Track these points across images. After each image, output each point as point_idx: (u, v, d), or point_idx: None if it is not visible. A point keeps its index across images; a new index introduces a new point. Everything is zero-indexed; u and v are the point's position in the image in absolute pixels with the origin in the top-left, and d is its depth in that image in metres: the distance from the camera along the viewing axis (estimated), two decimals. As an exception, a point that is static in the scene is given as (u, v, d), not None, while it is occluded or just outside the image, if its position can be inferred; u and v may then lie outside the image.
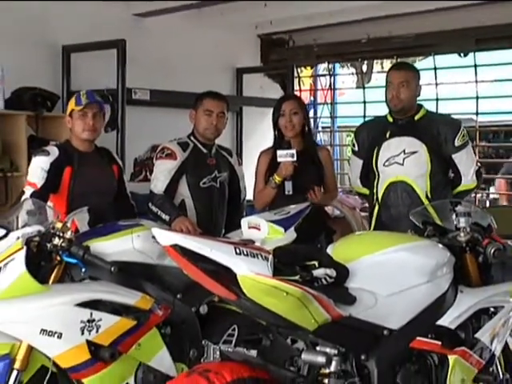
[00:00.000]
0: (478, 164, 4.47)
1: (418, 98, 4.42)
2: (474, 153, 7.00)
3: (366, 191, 4.62)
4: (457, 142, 4.29)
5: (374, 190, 4.44)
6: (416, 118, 4.36)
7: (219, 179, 4.58)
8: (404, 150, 4.28)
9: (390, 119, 4.42)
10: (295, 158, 4.30)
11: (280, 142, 4.53)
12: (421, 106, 4.42)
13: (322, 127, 8.67)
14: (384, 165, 4.35)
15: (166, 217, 4.28)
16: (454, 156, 4.30)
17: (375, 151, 4.39)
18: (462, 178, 4.34)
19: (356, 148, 4.60)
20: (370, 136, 4.49)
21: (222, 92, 4.72)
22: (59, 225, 3.32)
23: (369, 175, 4.50)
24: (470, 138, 4.67)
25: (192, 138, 4.55)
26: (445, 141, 4.29)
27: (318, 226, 4.32)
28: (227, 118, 4.65)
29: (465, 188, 4.37)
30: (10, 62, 5.30)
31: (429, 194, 4.26)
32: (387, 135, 4.37)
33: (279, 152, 4.34)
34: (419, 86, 4.41)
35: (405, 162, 4.28)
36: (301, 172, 4.37)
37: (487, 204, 9.22)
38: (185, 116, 4.64)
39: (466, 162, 4.33)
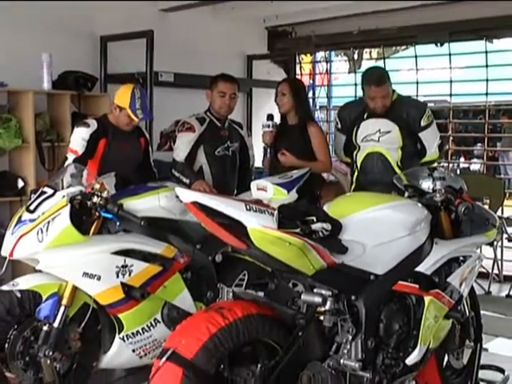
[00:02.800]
0: (440, 140, 4.42)
1: (400, 82, 4.37)
2: (448, 129, 7.04)
3: (348, 159, 4.63)
4: (422, 123, 4.26)
5: (355, 159, 4.45)
6: None
7: (231, 148, 4.56)
8: (379, 130, 4.27)
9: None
10: (271, 128, 4.41)
11: (281, 117, 4.58)
12: (393, 91, 4.34)
13: (320, 106, 8.61)
14: (362, 141, 4.35)
15: (186, 180, 4.27)
16: (420, 134, 4.28)
17: (355, 129, 4.37)
18: (426, 151, 4.32)
19: (339, 126, 4.57)
20: (351, 116, 4.45)
21: (234, 75, 4.67)
22: (97, 186, 3.32)
23: (351, 147, 4.48)
24: (445, 116, 4.62)
25: (208, 113, 4.51)
26: (412, 121, 4.25)
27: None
28: (238, 97, 4.60)
29: (429, 159, 4.35)
30: (57, 49, 5.26)
31: (399, 163, 4.27)
32: (365, 116, 4.34)
33: (262, 123, 4.48)
34: (391, 84, 4.30)
35: (380, 140, 4.28)
36: (289, 142, 4.40)
37: (458, 171, 9.17)
38: (203, 95, 4.59)
39: (430, 139, 4.31)
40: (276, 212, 2.43)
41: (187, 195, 2.38)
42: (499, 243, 6.11)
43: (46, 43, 5.31)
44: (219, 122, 4.52)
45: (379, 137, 4.27)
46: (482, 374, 3.58)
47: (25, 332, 3.22)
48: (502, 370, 3.87)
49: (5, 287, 3.28)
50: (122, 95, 4.00)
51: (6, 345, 3.19)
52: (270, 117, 4.52)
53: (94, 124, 4.01)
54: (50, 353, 3.15)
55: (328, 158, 4.56)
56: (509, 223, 6.14)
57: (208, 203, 2.34)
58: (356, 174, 4.46)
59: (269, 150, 4.47)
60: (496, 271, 6.28)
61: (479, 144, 9.86)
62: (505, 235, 5.98)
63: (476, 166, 10.11)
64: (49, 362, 3.15)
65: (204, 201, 2.34)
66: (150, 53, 5.50)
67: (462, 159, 9.98)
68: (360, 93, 7.44)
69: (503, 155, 10.67)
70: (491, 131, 8.93)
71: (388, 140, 4.26)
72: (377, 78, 4.25)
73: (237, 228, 2.37)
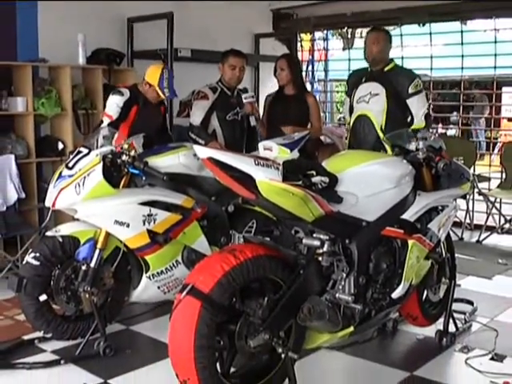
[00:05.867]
0: (427, 110, 4.12)
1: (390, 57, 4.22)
2: (428, 99, 6.90)
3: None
4: (410, 90, 4.00)
5: (350, 120, 4.32)
6: (386, 69, 4.13)
7: (240, 114, 4.47)
8: (370, 92, 4.10)
9: (368, 69, 4.25)
10: (253, 99, 4.24)
11: (279, 88, 4.52)
12: (392, 61, 4.20)
13: (318, 79, 8.48)
14: (357, 102, 4.20)
15: (201, 141, 4.20)
16: (407, 101, 4.02)
17: (354, 91, 4.24)
18: (414, 119, 4.08)
19: (347, 89, 4.46)
20: (355, 81, 4.32)
21: (243, 51, 4.57)
22: (126, 146, 3.28)
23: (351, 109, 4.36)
24: (426, 88, 4.47)
25: (220, 83, 4.43)
26: (401, 88, 4.02)
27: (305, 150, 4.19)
28: (246, 69, 4.51)
29: (416, 127, 3.97)
30: (90, 30, 5.21)
31: (383, 127, 4.04)
32: (363, 80, 4.19)
33: (242, 95, 4.25)
34: (389, 45, 4.17)
35: (369, 101, 4.11)
36: (290, 110, 4.35)
37: (437, 135, 9.06)
38: (216, 68, 4.50)
39: (417, 106, 4.02)
40: (281, 167, 2.40)
41: (204, 151, 2.35)
42: (471, 196, 6.07)
43: (81, 25, 5.23)
44: (229, 91, 4.44)
45: (369, 98, 4.10)
46: (455, 305, 3.59)
47: (66, 271, 3.25)
48: (471, 303, 3.92)
49: (49, 233, 3.30)
50: (153, 74, 3.90)
51: (52, 282, 3.22)
52: (245, 90, 4.39)
53: (127, 93, 3.93)
54: (88, 288, 3.17)
55: (320, 124, 4.64)
56: (480, 180, 6.11)
57: (221, 159, 2.31)
58: (349, 133, 4.36)
59: (250, 119, 4.28)
60: (468, 221, 6.27)
61: (455, 112, 9.76)
62: (476, 190, 5.95)
63: (452, 131, 10.02)
64: (87, 295, 3.17)
65: (218, 156, 2.31)
66: (170, 32, 5.39)
67: (440, 125, 9.86)
68: (353, 66, 7.44)
69: (475, 122, 10.65)
70: (465, 101, 8.80)
71: (375, 102, 4.08)
72: (377, 28, 4.20)
73: (247, 180, 2.33)
